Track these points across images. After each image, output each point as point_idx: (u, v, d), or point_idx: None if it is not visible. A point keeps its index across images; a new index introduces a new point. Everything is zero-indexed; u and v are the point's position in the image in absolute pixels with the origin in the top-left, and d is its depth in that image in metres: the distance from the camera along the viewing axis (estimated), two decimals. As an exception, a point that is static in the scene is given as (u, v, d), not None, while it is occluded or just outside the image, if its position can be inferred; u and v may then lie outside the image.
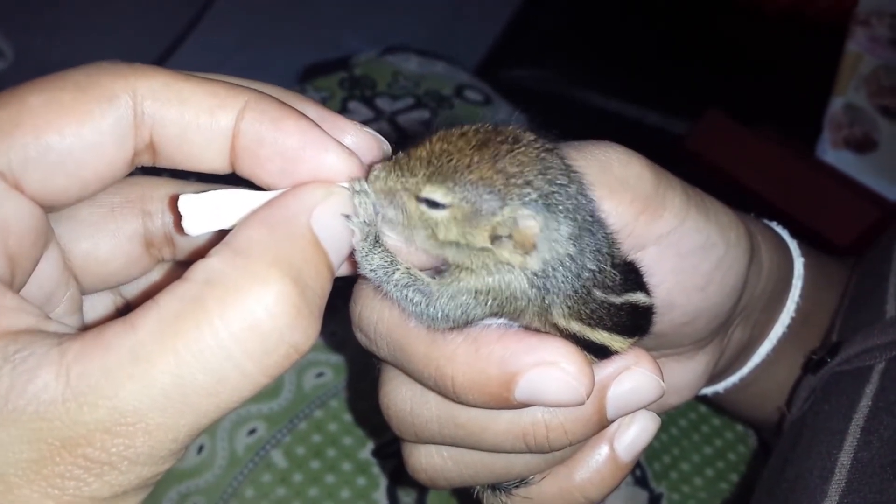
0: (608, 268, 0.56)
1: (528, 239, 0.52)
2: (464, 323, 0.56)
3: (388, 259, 0.56)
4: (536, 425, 0.58)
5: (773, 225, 0.84)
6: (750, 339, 0.82)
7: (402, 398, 0.62)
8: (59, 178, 0.51)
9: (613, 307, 0.57)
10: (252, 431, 0.97)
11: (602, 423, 0.59)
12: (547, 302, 0.55)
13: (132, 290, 0.65)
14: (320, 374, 1.02)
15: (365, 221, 0.54)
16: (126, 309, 0.64)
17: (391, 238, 0.56)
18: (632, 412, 0.61)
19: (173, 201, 0.58)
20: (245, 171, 0.54)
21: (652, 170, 0.63)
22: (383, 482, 0.97)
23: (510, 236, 0.53)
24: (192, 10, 2.08)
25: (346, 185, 0.53)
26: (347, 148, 0.55)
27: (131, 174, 0.63)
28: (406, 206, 0.54)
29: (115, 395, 0.43)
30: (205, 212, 0.53)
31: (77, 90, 0.50)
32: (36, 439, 0.43)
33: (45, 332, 0.46)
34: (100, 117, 0.50)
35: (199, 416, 0.45)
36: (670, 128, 1.97)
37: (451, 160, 0.53)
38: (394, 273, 0.56)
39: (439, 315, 0.56)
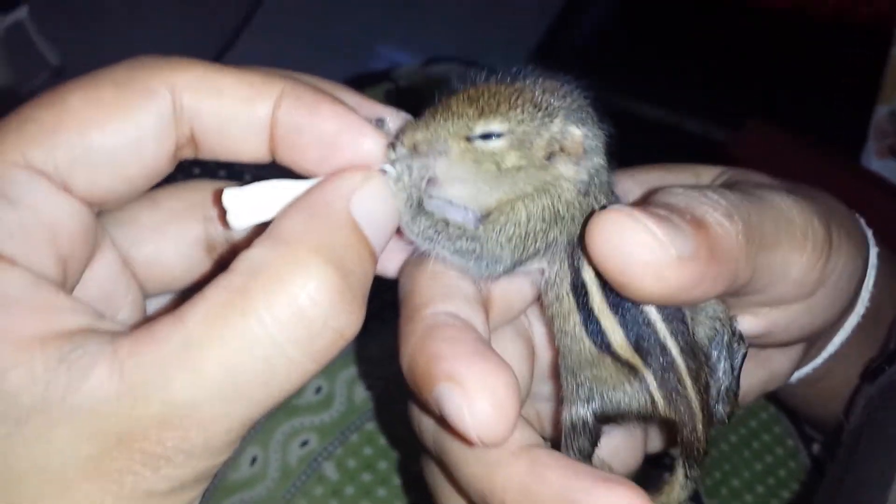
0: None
1: (577, 147, 0.57)
2: (519, 260, 0.59)
3: (436, 217, 0.58)
4: (494, 497, 0.54)
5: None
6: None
7: (416, 408, 0.62)
8: (104, 177, 0.51)
9: None
10: (304, 443, 0.97)
11: None
12: (587, 207, 0.59)
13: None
14: (372, 387, 1.02)
15: (409, 185, 0.56)
16: None
17: (435, 200, 0.58)
18: None
19: (217, 196, 0.59)
20: (285, 159, 0.55)
21: (821, 215, 0.62)
22: (434, 496, 0.97)
23: (561, 149, 0.57)
24: (232, 25, 2.11)
25: (392, 156, 0.55)
26: (384, 132, 0.55)
27: (191, 177, 0.64)
28: (450, 149, 0.56)
29: (167, 388, 0.44)
30: (248, 204, 0.54)
31: (117, 87, 0.51)
32: (93, 436, 0.44)
33: (99, 330, 0.47)
34: (140, 113, 0.51)
35: (252, 405, 0.46)
36: (711, 135, 1.96)
37: (493, 95, 0.57)
38: (445, 228, 0.58)
39: (492, 257, 0.58)
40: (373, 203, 0.52)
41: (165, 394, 0.44)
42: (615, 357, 0.60)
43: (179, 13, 2.06)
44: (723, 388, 0.64)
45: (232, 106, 0.53)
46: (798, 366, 0.81)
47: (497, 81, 0.58)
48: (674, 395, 0.60)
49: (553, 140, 0.57)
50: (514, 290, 0.63)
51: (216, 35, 2.07)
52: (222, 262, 0.63)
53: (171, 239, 0.61)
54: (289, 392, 0.48)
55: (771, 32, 2.06)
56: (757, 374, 0.75)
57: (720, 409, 0.65)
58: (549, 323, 0.63)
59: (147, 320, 0.48)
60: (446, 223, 0.58)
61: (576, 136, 0.57)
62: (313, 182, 0.54)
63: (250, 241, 0.51)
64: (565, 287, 0.60)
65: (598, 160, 0.59)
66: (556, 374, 0.65)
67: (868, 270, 0.81)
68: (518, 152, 0.57)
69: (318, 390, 1.01)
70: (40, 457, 0.44)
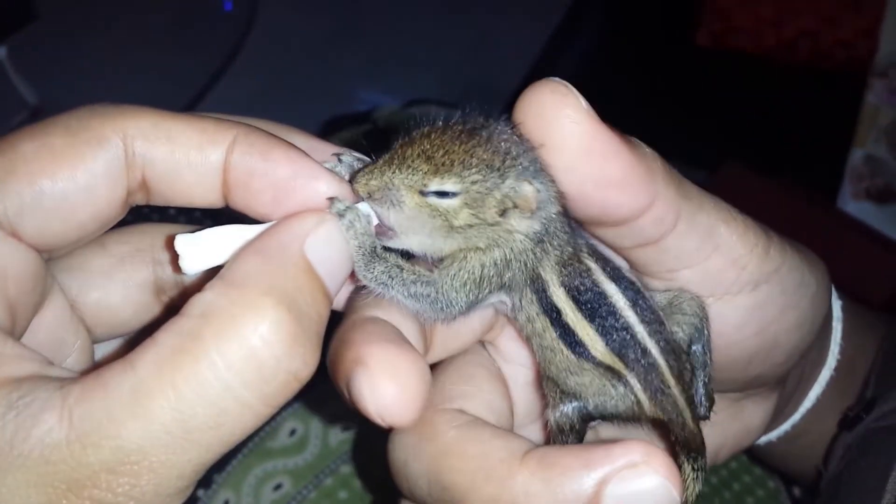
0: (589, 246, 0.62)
1: (530, 203, 0.57)
2: (473, 303, 0.59)
3: (390, 263, 0.57)
4: (525, 498, 0.52)
5: None
6: (801, 380, 0.81)
7: (400, 447, 0.60)
8: (55, 223, 0.51)
9: (601, 295, 0.60)
10: (278, 487, 0.95)
11: None
12: (541, 253, 0.59)
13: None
14: (348, 429, 1.01)
15: (361, 233, 0.56)
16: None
17: (388, 242, 0.58)
18: None
19: (169, 241, 0.58)
20: (239, 204, 0.55)
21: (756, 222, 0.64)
22: (410, 540, 0.95)
23: (515, 206, 0.57)
24: (213, 66, 2.11)
25: (340, 206, 0.54)
26: (338, 175, 0.56)
27: (140, 222, 0.64)
28: (404, 201, 0.56)
29: (117, 434, 0.43)
30: (201, 249, 0.54)
31: (68, 134, 0.51)
32: (43, 483, 0.43)
33: (48, 377, 0.46)
34: (91, 160, 0.51)
35: (203, 450, 0.45)
36: (688, 177, 1.98)
37: (447, 152, 0.56)
38: (399, 273, 0.58)
39: (447, 301, 0.58)
40: (327, 245, 0.52)
41: (115, 440, 0.43)
42: (596, 363, 0.60)
43: (160, 52, 2.07)
44: (703, 383, 0.64)
45: (184, 152, 0.53)
46: (773, 421, 0.80)
47: (453, 132, 0.57)
48: (658, 394, 0.60)
49: (506, 198, 0.57)
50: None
51: (198, 75, 2.08)
52: (172, 306, 0.62)
53: (119, 284, 0.61)
54: (241, 436, 0.47)
55: (749, 76, 2.09)
56: (731, 428, 0.75)
57: (702, 407, 0.65)
58: (527, 341, 0.63)
59: (97, 366, 0.47)
60: (400, 268, 0.58)
61: (528, 193, 0.57)
62: (267, 226, 0.53)
63: (201, 285, 0.51)
64: (534, 309, 0.61)
65: (553, 208, 0.59)
66: (539, 385, 0.66)
67: (834, 324, 0.81)
68: (471, 210, 0.57)
69: (293, 432, 0.99)
70: None
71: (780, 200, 1.66)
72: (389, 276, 0.57)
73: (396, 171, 0.56)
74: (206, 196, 0.55)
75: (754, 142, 1.95)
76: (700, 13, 2.12)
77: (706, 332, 0.63)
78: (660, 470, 0.49)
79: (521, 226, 0.58)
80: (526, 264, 0.59)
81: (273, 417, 0.97)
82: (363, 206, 0.57)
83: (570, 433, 0.63)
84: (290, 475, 0.97)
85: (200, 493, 0.93)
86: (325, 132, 1.85)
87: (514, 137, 0.58)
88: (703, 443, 0.62)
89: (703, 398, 0.65)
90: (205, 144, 0.53)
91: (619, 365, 0.60)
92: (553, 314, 0.60)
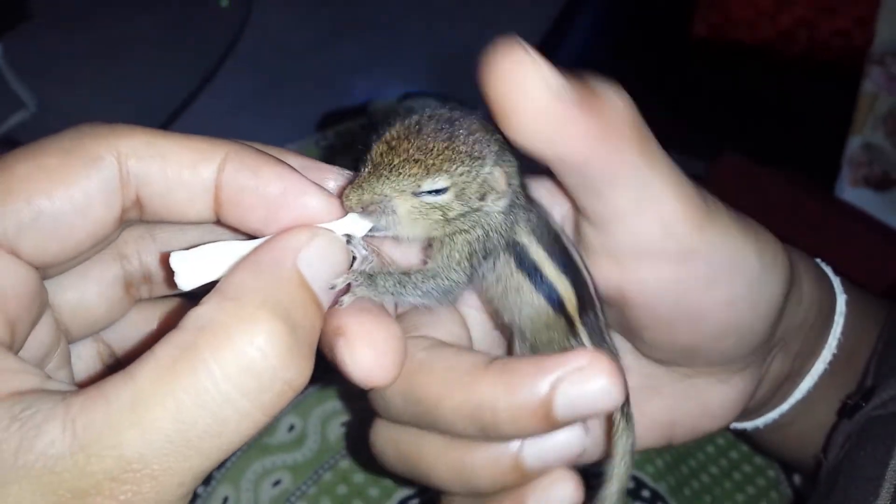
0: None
1: (503, 183, 0.63)
2: (470, 275, 0.65)
3: (395, 275, 0.63)
4: (483, 408, 0.58)
5: (818, 261, 0.84)
6: (791, 372, 0.81)
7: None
8: (52, 241, 0.53)
9: (567, 255, 0.67)
10: (277, 483, 0.95)
11: (551, 421, 0.58)
12: (512, 222, 0.65)
13: (113, 336, 0.67)
14: (346, 424, 1.01)
15: (355, 270, 0.60)
16: (111, 358, 0.67)
17: (376, 234, 0.63)
18: (587, 416, 0.59)
19: (165, 258, 0.60)
20: (231, 220, 0.57)
21: (699, 186, 0.66)
22: (410, 534, 0.95)
23: (492, 188, 0.63)
24: (210, 61, 2.11)
25: (328, 226, 0.57)
26: (327, 190, 0.58)
27: None
28: (397, 207, 0.61)
29: (119, 443, 0.45)
30: (196, 266, 0.56)
31: (62, 154, 0.53)
32: (47, 492, 0.44)
33: (49, 390, 0.48)
34: (86, 179, 0.53)
35: (203, 458, 0.47)
36: (686, 168, 1.97)
37: (431, 151, 0.60)
38: (408, 280, 0.63)
39: (451, 284, 0.64)
40: (319, 259, 0.55)
41: (117, 449, 0.45)
42: (567, 316, 0.66)
43: (156, 50, 2.07)
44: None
45: (177, 170, 0.55)
46: (760, 409, 0.81)
47: (428, 129, 0.61)
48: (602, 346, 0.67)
49: (484, 184, 0.62)
50: None
51: (194, 71, 2.07)
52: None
53: (93, 282, 0.62)
54: (240, 444, 0.49)
55: (746, 66, 2.09)
56: (684, 405, 0.75)
57: None
58: (491, 300, 0.69)
59: (81, 379, 0.49)
60: (408, 275, 0.63)
61: (500, 177, 0.63)
62: (260, 241, 0.56)
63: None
64: (509, 270, 0.67)
65: (516, 182, 0.65)
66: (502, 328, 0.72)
67: (836, 318, 0.81)
68: (459, 201, 0.62)
69: (291, 428, 0.99)
70: None
71: (779, 190, 1.65)
72: (402, 285, 0.63)
73: (385, 180, 0.60)
74: (199, 213, 0.57)
75: (752, 132, 1.94)
76: (697, 4, 2.11)
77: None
78: (604, 371, 0.57)
79: (497, 206, 0.64)
80: (501, 234, 0.65)
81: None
82: (351, 220, 0.60)
83: None
84: (290, 471, 0.97)
85: (200, 489, 0.93)
86: (321, 126, 1.84)
87: (481, 125, 0.62)
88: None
89: None
90: (197, 162, 0.55)
91: (577, 320, 0.66)
92: (531, 271, 0.66)
